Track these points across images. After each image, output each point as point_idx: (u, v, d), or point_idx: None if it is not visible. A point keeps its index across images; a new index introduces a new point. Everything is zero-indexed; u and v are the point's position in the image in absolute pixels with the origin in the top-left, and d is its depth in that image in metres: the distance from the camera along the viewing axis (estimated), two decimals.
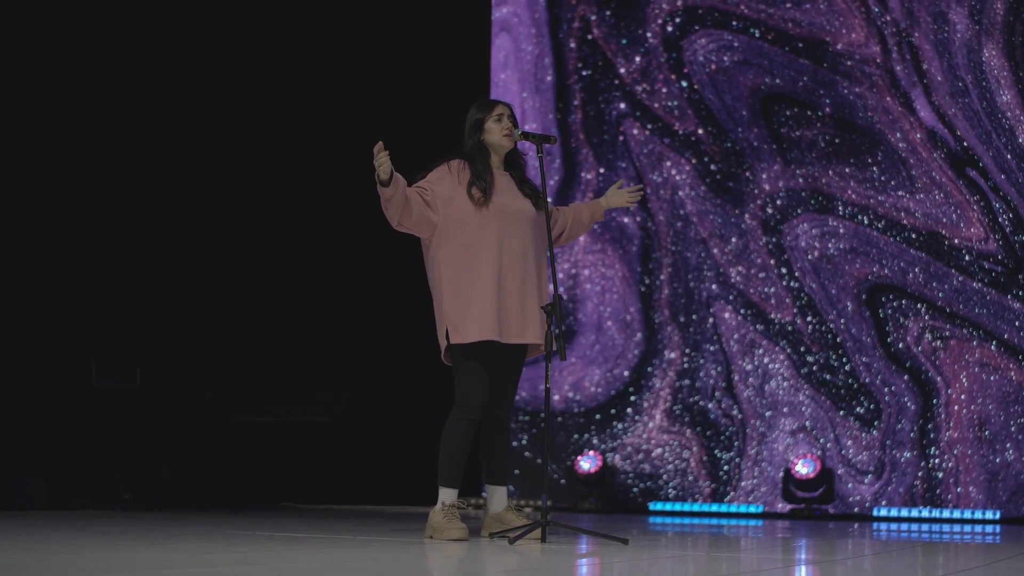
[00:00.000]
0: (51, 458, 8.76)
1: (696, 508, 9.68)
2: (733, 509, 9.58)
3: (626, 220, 10.22)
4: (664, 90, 10.31)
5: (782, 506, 9.48)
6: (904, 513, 9.17)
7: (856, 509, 9.38)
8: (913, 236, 9.55)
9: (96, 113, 9.90)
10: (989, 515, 8.93)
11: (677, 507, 9.75)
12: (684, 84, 10.27)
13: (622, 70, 10.42)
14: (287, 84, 10.93)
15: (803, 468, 9.32)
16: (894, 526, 8.34)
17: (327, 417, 10.31)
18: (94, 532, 5.62)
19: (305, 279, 10.79)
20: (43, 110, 9.54)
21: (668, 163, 10.20)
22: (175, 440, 10.04)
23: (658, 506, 9.80)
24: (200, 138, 10.59)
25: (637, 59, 10.40)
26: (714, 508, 9.63)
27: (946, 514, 9.06)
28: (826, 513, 9.32)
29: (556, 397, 9.97)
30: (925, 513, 9.11)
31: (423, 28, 10.72)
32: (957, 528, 8.11)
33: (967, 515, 8.96)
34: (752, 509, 9.55)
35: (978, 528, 8.09)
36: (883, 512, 9.22)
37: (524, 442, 10.21)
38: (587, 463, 9.93)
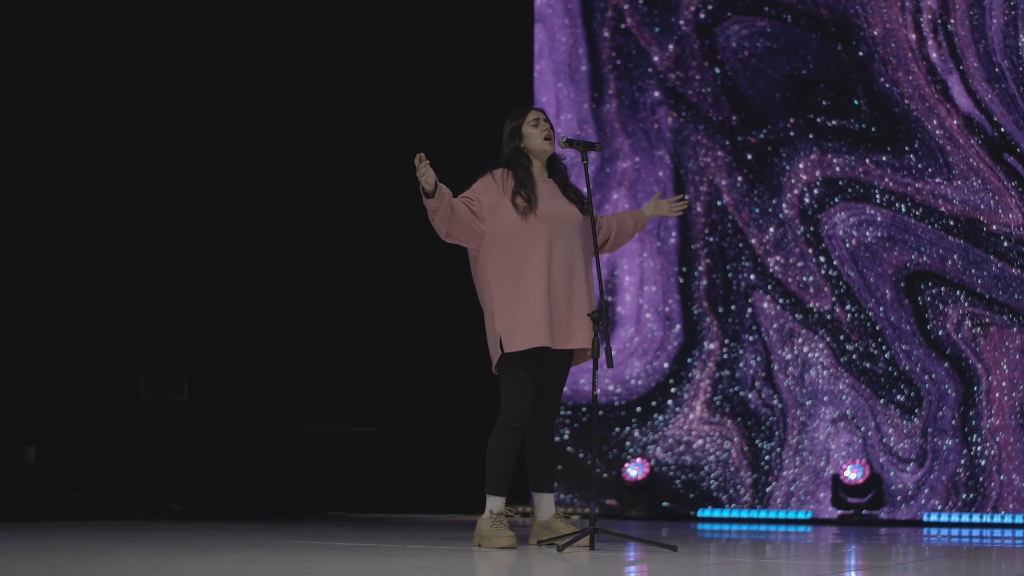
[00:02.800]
0: (100, 469, 8.86)
1: (744, 514, 9.66)
2: (782, 515, 9.56)
3: None
4: (698, 77, 10.30)
5: (831, 512, 9.44)
6: (955, 518, 9.12)
7: (899, 498, 9.38)
8: (951, 223, 9.52)
9: (143, 130, 10.02)
10: None
11: (725, 513, 9.73)
12: (718, 71, 10.25)
13: (656, 58, 10.41)
14: (327, 98, 10.96)
15: (852, 474, 9.28)
16: (944, 531, 8.31)
17: (373, 427, 10.36)
18: (145, 542, 5.68)
19: (350, 290, 10.83)
20: (94, 128, 9.68)
21: (703, 151, 10.19)
22: (222, 451, 10.13)
23: (706, 512, 9.79)
24: (242, 152, 10.68)
25: (670, 47, 10.38)
26: (762, 515, 9.61)
27: (997, 519, 9.01)
28: (876, 519, 9.28)
29: (587, 387, 9.99)
30: (976, 518, 9.06)
31: (461, 20, 10.73)
32: (1008, 533, 8.09)
33: (1019, 520, 8.92)
34: (801, 515, 9.52)
35: None
36: (933, 517, 9.19)
37: (565, 436, 10.25)
38: (635, 470, 9.90)
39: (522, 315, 5.53)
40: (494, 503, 5.58)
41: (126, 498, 8.76)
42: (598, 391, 5.42)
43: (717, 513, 9.76)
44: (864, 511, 9.26)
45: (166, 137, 10.20)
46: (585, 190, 5.77)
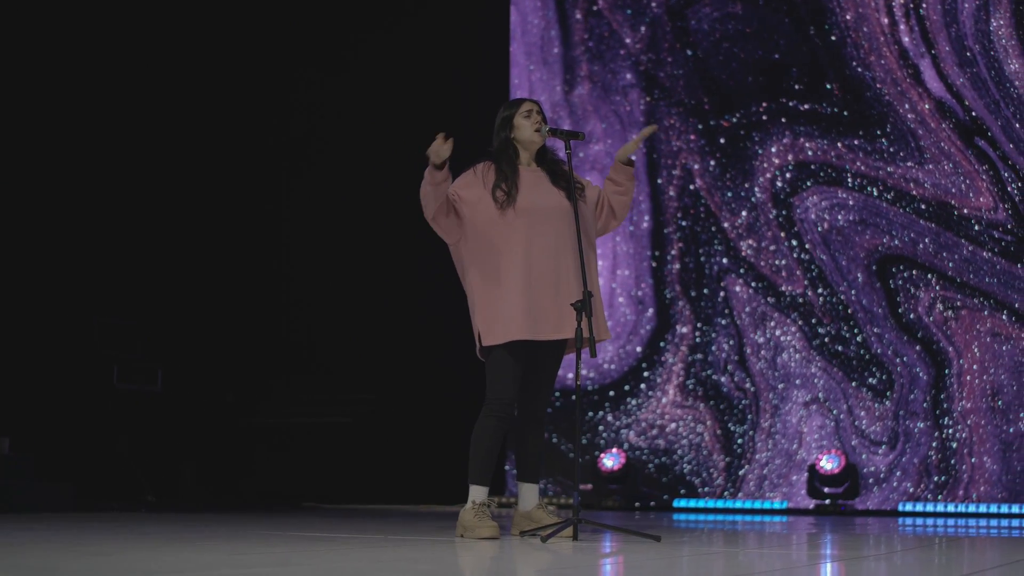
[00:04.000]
0: (76, 461, 8.82)
1: (720, 504, 9.69)
2: (758, 505, 9.59)
3: (634, 196, 10.22)
4: (670, 60, 10.30)
5: (807, 501, 9.49)
6: (930, 508, 9.18)
7: (871, 481, 9.44)
8: (923, 207, 9.57)
9: (119, 120, 9.98)
10: (1016, 509, 8.95)
11: (701, 504, 9.76)
12: (690, 53, 10.26)
13: (628, 40, 10.40)
14: (307, 85, 10.93)
15: (828, 463, 9.31)
16: (919, 521, 8.37)
17: (349, 418, 10.34)
18: (131, 533, 5.64)
19: (326, 279, 10.81)
20: (67, 117, 9.60)
21: (675, 135, 10.20)
22: (197, 442, 10.10)
23: (682, 503, 9.82)
24: (220, 142, 10.62)
25: (643, 29, 10.37)
26: (738, 504, 9.64)
27: (972, 508, 9.08)
28: (851, 508, 9.33)
29: (570, 375, 10.00)
30: (951, 508, 9.13)
31: (437, 2, 10.72)
32: (983, 523, 8.15)
33: (993, 510, 8.99)
34: (777, 505, 9.56)
35: (1004, 523, 8.13)
36: (908, 507, 9.25)
37: None
38: (610, 461, 9.90)
39: (499, 310, 5.52)
40: (477, 493, 5.57)
41: (101, 489, 8.72)
42: (580, 381, 5.40)
43: (694, 503, 9.78)
44: (840, 501, 9.29)
45: (140, 126, 10.12)
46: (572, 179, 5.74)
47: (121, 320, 9.40)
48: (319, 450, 10.40)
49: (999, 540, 6.24)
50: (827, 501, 9.31)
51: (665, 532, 6.21)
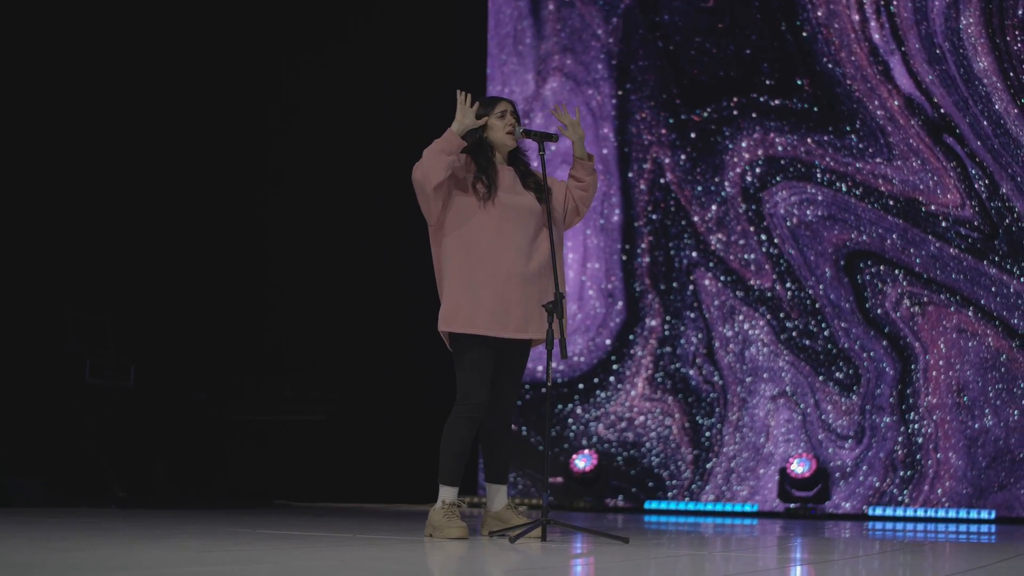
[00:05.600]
0: (46, 456, 8.79)
1: (691, 507, 9.73)
2: (729, 508, 9.63)
3: (605, 190, 10.25)
4: (642, 52, 10.32)
5: (778, 505, 9.53)
6: (900, 512, 9.25)
7: (838, 475, 9.51)
8: (891, 203, 9.63)
9: (92, 112, 9.92)
10: (984, 515, 9.02)
11: (672, 505, 9.79)
12: (660, 46, 10.29)
13: (599, 31, 10.41)
14: (280, 78, 10.90)
15: (799, 467, 9.36)
16: (889, 525, 8.43)
17: (322, 416, 10.33)
18: (100, 530, 5.65)
19: (300, 277, 10.80)
20: (39, 109, 9.55)
21: (646, 129, 10.22)
22: (169, 438, 10.07)
23: (652, 504, 9.85)
24: (193, 137, 10.59)
25: (615, 20, 10.39)
26: (708, 507, 9.67)
27: (941, 513, 9.15)
28: (822, 512, 9.38)
29: (539, 368, 10.02)
30: (920, 512, 9.19)
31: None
32: (952, 528, 8.22)
33: (962, 515, 9.06)
34: (747, 508, 9.60)
35: (973, 528, 8.20)
36: (879, 511, 9.31)
37: None
38: (582, 462, 9.90)
39: (473, 301, 5.53)
40: (447, 493, 5.59)
41: (71, 485, 8.70)
42: (551, 382, 5.43)
43: (664, 505, 9.81)
44: (810, 504, 9.35)
45: (112, 122, 10.05)
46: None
47: (93, 315, 9.37)
48: (291, 448, 10.39)
49: (966, 546, 6.31)
50: (797, 504, 9.35)
51: (634, 534, 6.26)
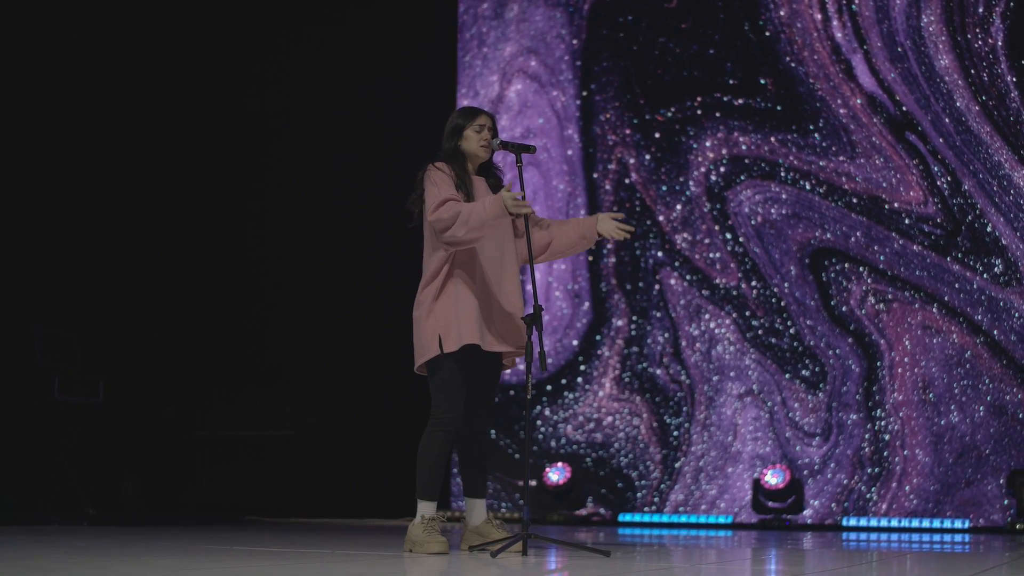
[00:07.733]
0: (15, 473, 8.71)
1: (666, 519, 9.71)
2: (703, 520, 9.63)
3: (570, 191, 10.25)
4: (605, 53, 10.33)
5: (749, 516, 9.54)
6: (874, 523, 9.28)
7: (806, 472, 9.56)
8: (854, 200, 9.68)
9: (61, 125, 9.81)
10: (959, 524, 9.07)
11: (647, 518, 9.77)
12: (624, 46, 10.29)
13: (563, 32, 10.41)
14: (248, 89, 10.81)
15: (772, 478, 9.37)
16: (863, 535, 8.46)
17: (292, 431, 10.28)
18: (73, 548, 5.59)
19: (270, 292, 10.73)
20: (7, 123, 9.41)
21: (611, 129, 10.23)
22: (138, 455, 9.99)
23: (627, 517, 9.83)
24: (160, 156, 10.52)
25: (578, 22, 10.39)
26: (683, 519, 9.67)
27: (915, 523, 9.20)
28: (795, 523, 9.40)
29: (508, 373, 10.02)
30: (895, 523, 9.23)
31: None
32: (927, 538, 8.27)
33: (936, 524, 9.10)
34: (722, 520, 9.60)
35: (947, 538, 8.25)
36: (852, 522, 9.34)
37: None
38: (555, 475, 9.89)
39: (458, 313, 5.52)
40: (425, 508, 5.57)
41: (40, 502, 8.62)
42: (531, 394, 5.42)
43: (639, 518, 9.79)
44: (784, 516, 9.37)
45: (81, 136, 9.97)
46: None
47: (62, 331, 9.28)
48: (261, 463, 10.33)
49: (939, 555, 6.36)
50: (772, 516, 9.38)
51: (612, 547, 6.26)
